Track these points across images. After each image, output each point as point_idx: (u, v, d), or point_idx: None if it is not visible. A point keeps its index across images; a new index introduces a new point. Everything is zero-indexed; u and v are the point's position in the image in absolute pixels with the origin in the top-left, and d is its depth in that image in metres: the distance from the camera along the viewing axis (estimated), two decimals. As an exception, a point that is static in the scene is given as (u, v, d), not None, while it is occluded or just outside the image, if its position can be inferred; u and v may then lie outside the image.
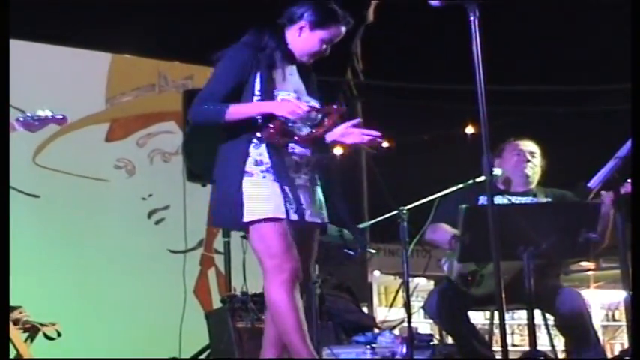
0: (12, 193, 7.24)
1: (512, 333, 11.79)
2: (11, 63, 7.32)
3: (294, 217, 4.06)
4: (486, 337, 5.58)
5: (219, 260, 7.62)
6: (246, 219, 4.02)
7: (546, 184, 5.44)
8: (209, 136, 6.26)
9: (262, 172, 4.06)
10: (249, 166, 4.06)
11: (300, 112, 4.05)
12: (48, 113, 4.82)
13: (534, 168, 5.35)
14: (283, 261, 4.05)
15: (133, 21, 8.87)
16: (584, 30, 11.72)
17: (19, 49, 7.64)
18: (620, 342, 12.21)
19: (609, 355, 5.25)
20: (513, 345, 11.21)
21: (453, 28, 4.09)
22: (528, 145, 5.41)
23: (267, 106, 4.09)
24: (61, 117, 4.88)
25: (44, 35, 7.73)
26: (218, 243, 7.70)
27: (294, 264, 4.07)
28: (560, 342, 5.34)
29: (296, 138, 4.14)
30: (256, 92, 4.14)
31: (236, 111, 4.06)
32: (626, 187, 4.48)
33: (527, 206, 5.15)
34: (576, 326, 5.05)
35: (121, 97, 7.97)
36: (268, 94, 4.13)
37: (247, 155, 4.08)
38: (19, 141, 6.07)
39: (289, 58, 4.27)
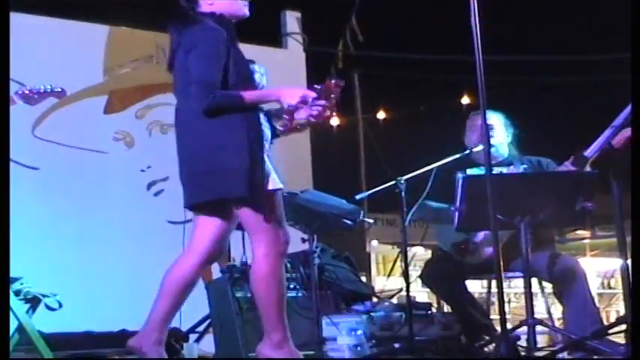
0: (12, 165, 7.24)
1: (509, 301, 11.84)
2: (10, 36, 7.35)
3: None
4: (484, 305, 5.61)
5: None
6: (270, 187, 4.12)
7: (533, 152, 5.45)
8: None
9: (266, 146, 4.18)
10: (263, 142, 4.16)
11: (309, 98, 4.17)
12: (47, 86, 4.80)
13: (496, 139, 5.36)
14: (283, 233, 4.18)
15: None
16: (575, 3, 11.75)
17: (17, 22, 7.62)
18: (616, 309, 12.28)
19: (605, 322, 5.24)
20: (513, 314, 11.27)
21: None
22: (501, 121, 5.42)
23: (275, 94, 4.22)
24: (59, 90, 4.87)
25: (42, 7, 7.70)
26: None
27: (287, 238, 4.21)
28: (557, 310, 5.36)
29: (312, 119, 4.27)
30: (238, 70, 4.21)
31: (250, 99, 4.14)
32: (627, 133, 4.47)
33: (524, 175, 5.16)
34: (573, 294, 5.06)
35: (119, 69, 7.95)
36: (247, 69, 4.27)
37: (262, 132, 4.17)
38: (19, 113, 6.06)
39: (228, 25, 4.34)
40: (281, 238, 4.17)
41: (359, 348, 5.49)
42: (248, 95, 4.14)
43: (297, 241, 6.34)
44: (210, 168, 4.17)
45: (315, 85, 4.24)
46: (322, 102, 4.20)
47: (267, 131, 4.26)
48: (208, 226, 4.38)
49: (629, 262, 4.57)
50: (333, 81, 4.23)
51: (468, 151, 5.36)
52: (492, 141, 5.31)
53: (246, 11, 4.39)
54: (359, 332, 5.56)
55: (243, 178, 4.06)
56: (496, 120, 5.41)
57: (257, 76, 4.31)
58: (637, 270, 3.72)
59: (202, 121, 4.16)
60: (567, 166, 4.94)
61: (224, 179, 4.13)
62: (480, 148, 5.07)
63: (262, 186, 4.09)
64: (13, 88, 5.15)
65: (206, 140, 4.18)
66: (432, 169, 5.40)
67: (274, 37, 8.72)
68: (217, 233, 4.37)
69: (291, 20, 8.75)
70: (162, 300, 4.49)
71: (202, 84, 4.12)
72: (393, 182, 5.51)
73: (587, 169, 4.75)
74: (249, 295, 5.87)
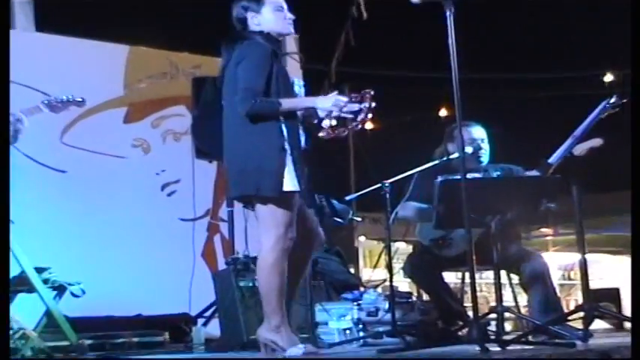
0: (41, 168, 7.27)
1: (481, 291, 11.86)
2: (41, 53, 7.36)
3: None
4: (458, 294, 5.62)
5: (224, 227, 7.62)
6: (285, 188, 4.07)
7: (502, 159, 5.46)
8: (215, 120, 6.26)
9: (289, 152, 4.12)
10: (286, 145, 4.12)
11: (342, 104, 4.14)
12: (69, 96, 4.82)
13: (486, 151, 5.38)
14: (290, 231, 4.16)
15: (148, 16, 8.83)
16: (548, 22, 11.71)
17: (49, 41, 7.65)
18: (575, 298, 12.28)
19: (565, 310, 5.26)
20: (484, 302, 11.28)
21: (427, 23, 4.11)
22: (479, 132, 5.41)
23: (311, 101, 4.24)
24: (80, 99, 4.89)
25: (71, 29, 7.71)
26: (223, 212, 7.71)
27: (293, 235, 4.17)
28: (522, 299, 5.38)
29: (349, 127, 4.23)
30: (280, 81, 4.19)
31: (287, 106, 4.13)
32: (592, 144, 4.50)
33: (495, 180, 5.18)
34: (537, 285, 5.08)
35: (137, 84, 7.95)
36: (288, 81, 4.24)
37: (284, 136, 4.13)
38: (47, 122, 6.05)
39: (276, 43, 4.34)
40: (288, 235, 4.15)
41: (348, 332, 5.49)
42: (286, 102, 4.13)
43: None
44: (243, 167, 4.17)
45: (349, 94, 4.21)
46: (355, 107, 4.16)
47: (300, 138, 4.23)
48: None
49: (586, 256, 4.61)
50: (367, 92, 4.19)
51: (447, 158, 5.35)
52: (482, 153, 5.34)
53: (290, 29, 4.39)
54: (348, 318, 5.58)
55: (268, 179, 4.07)
56: (484, 133, 5.42)
57: (296, 88, 4.31)
58: (637, 269, 3.59)
59: (243, 126, 4.16)
60: (533, 171, 4.96)
61: (253, 178, 4.13)
62: (470, 151, 5.12)
63: (280, 187, 4.07)
64: (41, 99, 5.16)
65: (243, 143, 4.18)
66: (413, 174, 5.42)
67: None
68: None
69: (290, 41, 8.75)
70: None
71: (246, 90, 4.12)
72: (378, 185, 5.53)
73: (550, 174, 4.77)
74: (250, 284, 5.88)
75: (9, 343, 1.81)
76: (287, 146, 4.11)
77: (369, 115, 4.17)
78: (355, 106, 4.15)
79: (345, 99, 4.14)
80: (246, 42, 4.23)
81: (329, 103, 4.15)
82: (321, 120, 4.24)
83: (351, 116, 4.18)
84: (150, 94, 8.00)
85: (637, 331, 3.23)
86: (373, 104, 4.15)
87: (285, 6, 4.35)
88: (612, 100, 4.60)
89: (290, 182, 4.09)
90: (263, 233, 4.21)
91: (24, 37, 7.52)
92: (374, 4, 9.46)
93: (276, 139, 4.11)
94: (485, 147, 5.37)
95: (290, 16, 4.35)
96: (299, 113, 4.24)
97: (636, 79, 3.77)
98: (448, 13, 3.86)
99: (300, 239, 4.25)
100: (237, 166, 4.22)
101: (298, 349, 4.09)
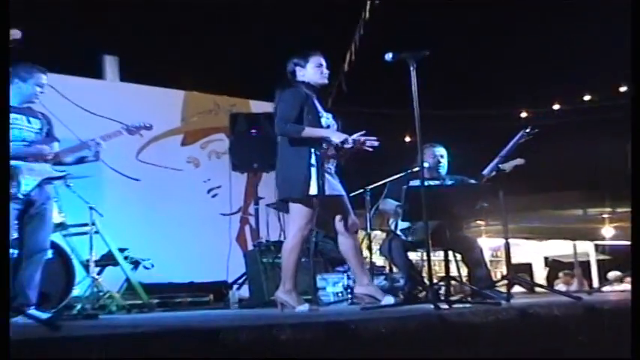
0: (123, 178, 7.28)
1: (435, 265, 11.81)
2: (123, 96, 7.37)
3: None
4: (419, 268, 5.59)
5: (252, 220, 7.64)
6: (311, 192, 4.01)
7: (453, 170, 5.43)
8: (245, 143, 6.23)
9: (315, 167, 4.07)
10: (313, 161, 4.07)
11: (345, 140, 4.07)
12: (141, 123, 4.78)
13: (444, 165, 5.36)
14: (311, 223, 4.14)
15: (197, 70, 8.84)
16: (487, 75, 11.69)
17: (129, 88, 7.66)
18: (500, 271, 12.22)
19: (494, 279, 5.25)
20: (436, 273, 11.22)
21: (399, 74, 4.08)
22: (440, 151, 5.41)
23: (327, 132, 4.12)
24: (149, 125, 4.85)
25: (145, 79, 7.74)
26: (251, 209, 7.71)
27: (312, 226, 4.17)
28: (463, 271, 5.37)
29: (341, 152, 4.15)
30: (309, 115, 4.13)
31: (308, 132, 4.06)
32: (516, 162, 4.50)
33: (445, 186, 5.16)
34: (474, 260, 5.07)
35: (190, 118, 7.97)
36: (317, 117, 4.16)
37: (311, 155, 4.07)
38: (127, 144, 6.07)
39: (312, 89, 4.26)
40: (307, 226, 4.11)
41: (340, 294, 5.49)
42: (308, 129, 4.06)
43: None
44: (283, 177, 4.15)
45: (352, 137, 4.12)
46: (350, 143, 4.08)
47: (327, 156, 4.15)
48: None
49: (508, 241, 4.60)
50: (361, 134, 4.11)
51: (413, 170, 5.26)
52: (441, 167, 5.30)
53: (325, 80, 4.26)
54: (339, 284, 5.58)
55: (298, 186, 4.03)
56: (444, 152, 5.40)
57: (323, 120, 4.19)
58: (637, 269, 3.17)
59: (285, 148, 4.14)
60: (472, 180, 4.96)
61: (288, 185, 4.11)
62: (427, 165, 5.06)
63: (307, 192, 4.02)
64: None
65: (284, 160, 4.16)
66: (387, 182, 5.40)
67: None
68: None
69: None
70: None
71: (281, 119, 4.10)
72: (362, 190, 5.55)
73: (484, 182, 4.75)
74: (270, 260, 5.90)
75: (9, 342, 1.73)
76: (314, 162, 4.06)
77: (361, 147, 4.13)
78: (351, 142, 4.09)
79: (348, 137, 4.08)
80: (290, 87, 4.19)
81: (339, 139, 4.09)
82: (336, 145, 4.14)
83: (349, 146, 4.11)
84: (199, 125, 8.01)
85: (637, 331, 2.87)
86: (363, 140, 4.11)
87: (324, 63, 4.25)
88: (527, 130, 4.58)
89: (314, 188, 4.03)
90: (290, 224, 4.19)
91: (111, 85, 7.57)
92: (362, 59, 9.33)
93: (305, 158, 4.06)
94: (444, 162, 5.35)
95: (326, 71, 4.27)
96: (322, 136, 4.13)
97: (636, 79, 3.31)
98: (411, 68, 3.86)
99: (344, 229, 4.20)
100: (280, 177, 4.21)
101: (304, 307, 4.09)
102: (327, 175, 4.10)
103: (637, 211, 3.22)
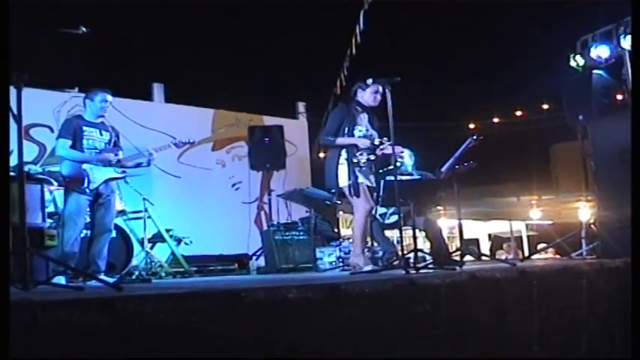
0: (167, 175, 7.26)
1: (405, 240, 11.67)
2: (168, 115, 7.34)
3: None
4: (395, 242, 5.55)
5: (266, 207, 7.63)
6: (340, 184, 4.00)
7: (420, 167, 5.40)
8: (260, 149, 6.18)
9: (347, 165, 4.03)
10: (342, 160, 4.05)
11: (369, 144, 4.05)
12: (186, 139, 4.80)
13: (411, 164, 5.27)
14: (369, 204, 4.08)
15: (222, 93, 8.81)
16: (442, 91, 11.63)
17: (172, 108, 7.62)
18: (455, 244, 12.17)
19: (450, 250, 5.21)
20: (406, 246, 11.16)
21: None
22: (407, 154, 5.36)
23: (355, 140, 4.06)
24: (193, 141, 4.88)
25: (185, 101, 7.74)
26: (265, 199, 7.70)
27: (371, 206, 4.09)
28: (427, 245, 5.34)
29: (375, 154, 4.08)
30: (346, 126, 4.09)
31: (340, 141, 4.04)
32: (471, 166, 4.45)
33: (413, 180, 5.11)
34: (435, 237, 5.04)
35: (218, 130, 7.93)
36: (352, 128, 4.09)
37: (340, 156, 4.05)
38: (172, 152, 6.09)
39: (363, 108, 4.19)
40: (367, 207, 4.05)
41: (333, 263, 5.52)
42: (340, 139, 4.03)
43: (304, 213, 6.40)
44: (328, 174, 4.12)
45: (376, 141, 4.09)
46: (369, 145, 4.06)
47: (361, 158, 4.09)
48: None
49: (461, 221, 4.59)
50: (385, 139, 4.06)
51: (387, 168, 5.20)
52: (399, 162, 5.23)
53: (376, 104, 4.13)
54: (333, 255, 5.60)
55: (331, 180, 4.05)
56: (406, 153, 5.33)
57: (356, 132, 4.09)
58: (637, 269, 2.92)
59: (330, 152, 4.14)
60: (432, 175, 4.96)
61: (333, 181, 4.08)
62: (399, 164, 4.99)
63: (337, 184, 4.02)
64: (169, 139, 5.08)
65: (329, 162, 4.14)
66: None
67: (293, 114, 8.70)
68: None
69: (301, 105, 8.76)
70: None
71: (324, 132, 4.12)
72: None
73: (443, 177, 4.74)
74: (281, 238, 5.88)
75: (9, 342, 1.53)
76: (343, 162, 4.04)
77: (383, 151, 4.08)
78: (374, 145, 4.06)
79: (369, 143, 4.05)
80: (340, 104, 4.18)
81: (365, 145, 4.06)
82: (364, 149, 4.09)
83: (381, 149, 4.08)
84: (225, 135, 7.97)
85: (637, 331, 2.62)
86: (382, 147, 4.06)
87: (380, 89, 4.06)
88: (474, 137, 4.60)
89: (344, 181, 4.00)
90: (354, 206, 4.09)
91: (158, 106, 7.57)
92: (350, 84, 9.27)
93: (336, 159, 4.06)
94: (410, 162, 5.29)
95: (379, 97, 4.10)
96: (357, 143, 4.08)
97: (636, 79, 2.95)
98: (387, 91, 3.84)
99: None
100: (325, 173, 4.18)
101: (368, 267, 3.97)
102: (356, 171, 4.03)
103: (637, 211, 2.96)
